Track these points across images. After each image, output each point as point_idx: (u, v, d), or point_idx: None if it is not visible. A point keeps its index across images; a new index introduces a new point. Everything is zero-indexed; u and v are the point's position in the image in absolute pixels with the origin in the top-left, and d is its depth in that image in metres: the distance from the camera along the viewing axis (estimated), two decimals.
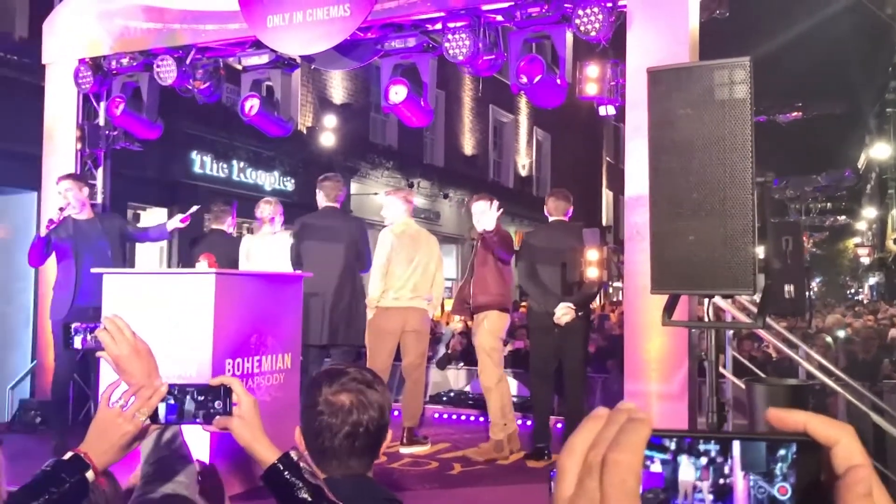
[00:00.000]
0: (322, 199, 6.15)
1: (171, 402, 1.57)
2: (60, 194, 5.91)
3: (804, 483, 0.56)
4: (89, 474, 1.47)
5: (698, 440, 0.58)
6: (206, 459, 4.34)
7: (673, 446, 0.57)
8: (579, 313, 5.62)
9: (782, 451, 0.56)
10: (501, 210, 5.69)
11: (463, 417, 7.44)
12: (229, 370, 4.54)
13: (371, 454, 1.88)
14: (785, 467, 0.56)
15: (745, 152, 3.11)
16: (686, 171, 3.15)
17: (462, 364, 9.43)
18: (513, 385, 8.35)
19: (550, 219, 5.93)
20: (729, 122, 3.13)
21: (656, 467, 0.57)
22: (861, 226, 48.15)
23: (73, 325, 1.82)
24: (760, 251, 3.76)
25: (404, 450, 5.94)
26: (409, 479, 5.28)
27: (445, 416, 7.52)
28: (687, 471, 0.57)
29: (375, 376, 1.94)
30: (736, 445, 0.57)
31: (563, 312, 5.56)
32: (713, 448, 0.57)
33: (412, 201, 6.47)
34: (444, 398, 8.23)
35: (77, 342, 1.81)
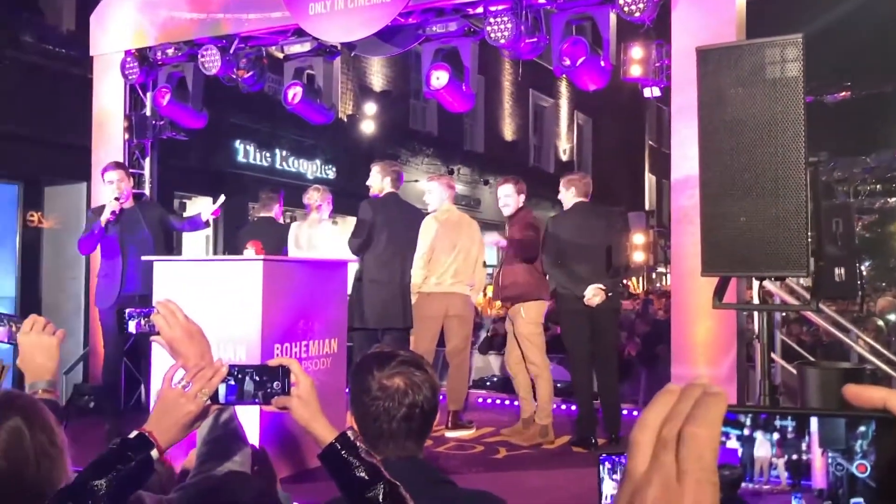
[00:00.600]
0: (388, 185, 6.06)
1: (232, 382, 1.60)
2: (112, 183, 6.00)
3: (885, 460, 0.55)
4: (154, 452, 1.51)
5: (774, 417, 0.57)
6: (256, 443, 4.42)
7: (749, 423, 0.57)
8: (609, 294, 5.56)
9: (862, 428, 0.55)
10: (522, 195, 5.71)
11: (507, 402, 7.45)
12: (277, 355, 4.60)
13: (424, 435, 1.91)
14: (864, 444, 0.55)
15: (798, 131, 3.05)
16: (737, 152, 3.10)
17: (504, 349, 9.43)
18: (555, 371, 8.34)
19: (574, 202, 5.84)
20: (780, 101, 3.08)
21: (732, 443, 0.57)
22: None
23: (127, 311, 1.86)
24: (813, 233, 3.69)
25: (450, 434, 5.97)
26: (455, 462, 5.31)
27: (489, 400, 7.54)
28: (763, 447, 0.57)
29: (421, 358, 1.96)
30: (814, 422, 0.56)
31: (594, 293, 5.50)
32: (790, 425, 0.56)
33: (454, 187, 6.46)
34: (488, 383, 8.25)
35: (131, 326, 1.85)
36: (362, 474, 1.53)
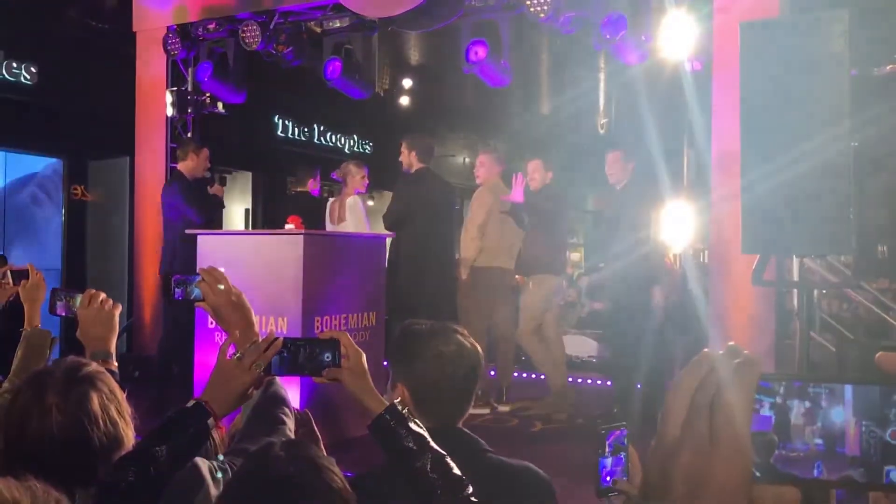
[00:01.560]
0: (415, 160, 5.93)
1: (285, 354, 1.65)
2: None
3: None
4: (210, 421, 1.57)
5: (808, 385, 0.57)
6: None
7: (783, 391, 0.57)
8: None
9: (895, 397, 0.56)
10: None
11: (542, 377, 7.46)
12: (318, 327, 4.69)
13: (468, 405, 1.94)
14: None
15: (842, 108, 3.01)
16: (779, 129, 3.08)
17: None
18: (593, 346, 8.33)
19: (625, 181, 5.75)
20: (824, 78, 3.04)
21: (766, 411, 0.57)
22: None
23: (174, 277, 1.91)
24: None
25: (502, 407, 6.03)
26: (493, 435, 5.37)
27: (524, 375, 7.57)
28: (797, 415, 0.57)
29: (462, 328, 1.99)
30: (848, 391, 0.56)
31: None
32: (824, 393, 0.57)
33: (503, 163, 6.40)
34: (523, 357, 8.27)
35: (177, 293, 1.91)
36: (410, 444, 1.58)
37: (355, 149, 14.17)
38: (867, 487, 0.56)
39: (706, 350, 0.58)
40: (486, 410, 5.96)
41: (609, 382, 6.22)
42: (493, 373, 6.23)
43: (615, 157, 5.74)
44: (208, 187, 6.64)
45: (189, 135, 7.94)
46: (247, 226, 12.72)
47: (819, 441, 0.56)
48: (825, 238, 3.03)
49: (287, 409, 1.98)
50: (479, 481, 1.60)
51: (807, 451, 0.57)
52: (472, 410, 5.70)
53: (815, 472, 0.56)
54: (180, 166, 6.63)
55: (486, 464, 1.84)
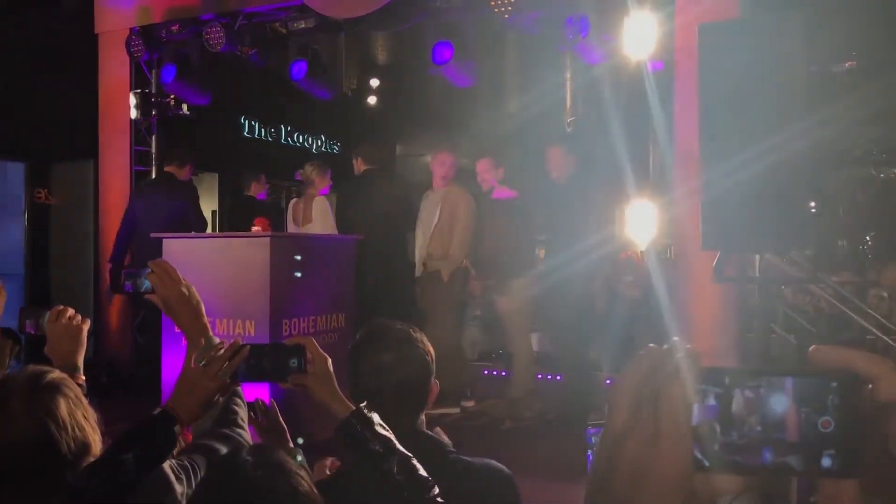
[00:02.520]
0: (362, 165, 6.21)
1: (251, 361, 1.66)
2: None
3: (848, 418, 0.58)
4: (176, 428, 1.58)
5: (751, 375, 0.60)
6: None
7: (727, 381, 0.60)
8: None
9: (833, 385, 0.58)
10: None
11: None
12: (286, 330, 4.68)
13: (420, 409, 1.91)
14: (836, 400, 0.58)
15: (799, 106, 3.08)
16: (738, 127, 3.14)
17: None
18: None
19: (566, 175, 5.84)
20: (782, 76, 3.11)
21: (710, 400, 0.59)
22: None
23: (124, 270, 1.93)
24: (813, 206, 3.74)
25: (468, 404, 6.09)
26: (463, 433, 5.40)
27: (494, 372, 7.61)
28: (740, 404, 0.59)
29: (415, 331, 1.95)
30: (789, 381, 0.59)
31: None
32: (765, 383, 0.59)
33: (453, 163, 6.48)
34: (493, 356, 8.32)
35: (126, 284, 1.92)
36: (377, 447, 1.60)
37: (323, 149, 14.13)
38: (803, 474, 0.59)
39: (650, 345, 0.61)
40: (456, 409, 6.00)
41: (559, 377, 6.20)
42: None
43: (557, 152, 5.79)
44: None
45: (154, 137, 7.88)
46: (214, 228, 12.62)
47: (759, 429, 0.59)
48: (784, 234, 3.10)
49: (243, 415, 2.00)
50: (443, 482, 1.62)
51: (749, 438, 0.59)
52: (441, 410, 5.75)
53: (763, 459, 0.59)
54: (175, 171, 6.57)
55: (449, 464, 1.85)
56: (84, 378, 2.09)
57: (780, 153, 3.12)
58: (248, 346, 1.67)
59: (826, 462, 0.58)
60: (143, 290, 1.89)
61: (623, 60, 5.81)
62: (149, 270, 1.84)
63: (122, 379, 7.10)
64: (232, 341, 1.70)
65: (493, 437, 5.39)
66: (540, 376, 6.12)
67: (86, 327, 2.16)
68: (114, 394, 6.37)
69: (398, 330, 1.92)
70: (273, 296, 4.64)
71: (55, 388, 1.59)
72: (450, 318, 6.02)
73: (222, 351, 1.66)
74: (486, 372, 7.55)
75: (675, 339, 0.61)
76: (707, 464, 0.58)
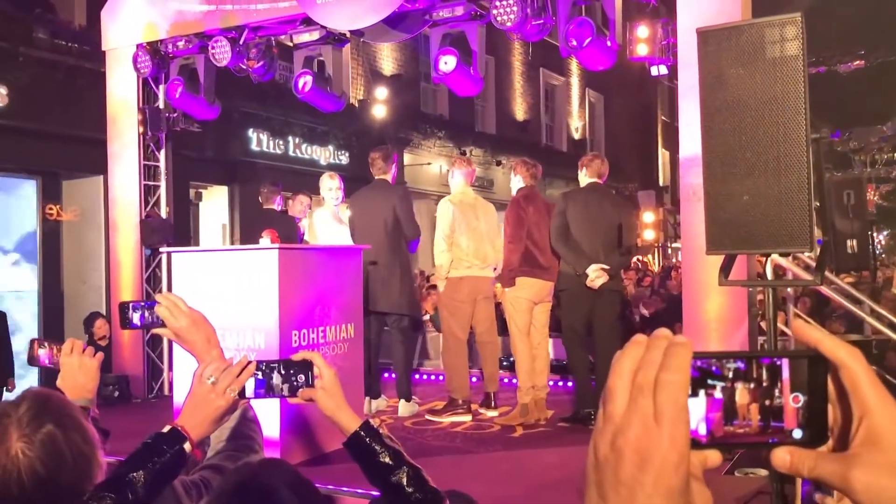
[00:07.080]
0: (375, 172, 6.28)
1: (259, 377, 1.67)
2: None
3: (814, 395, 0.61)
4: (186, 446, 1.59)
5: (752, 368, 0.62)
6: (276, 431, 4.53)
7: (731, 375, 0.63)
8: (612, 275, 5.61)
9: (804, 362, 0.62)
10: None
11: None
12: (296, 341, 4.70)
13: None
14: (805, 377, 0.62)
15: (799, 109, 3.08)
16: (738, 131, 3.14)
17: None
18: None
19: (587, 182, 5.86)
20: (781, 80, 3.11)
21: (718, 394, 0.62)
22: None
23: (131, 303, 1.93)
24: (818, 207, 3.72)
25: (490, 413, 6.06)
26: (473, 441, 5.40)
27: (506, 380, 7.61)
28: (742, 395, 0.62)
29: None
30: (785, 368, 0.62)
31: (596, 275, 5.56)
32: (766, 373, 0.62)
33: (473, 171, 6.51)
34: (504, 363, 8.32)
35: (135, 319, 1.92)
36: (386, 459, 1.61)
37: (331, 160, 14.20)
38: (776, 445, 0.62)
39: (639, 335, 0.64)
40: (468, 418, 6.00)
41: (570, 383, 6.21)
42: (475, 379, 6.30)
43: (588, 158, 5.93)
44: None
45: (162, 152, 7.95)
46: (224, 241, 12.70)
47: (759, 416, 0.62)
48: (785, 236, 3.10)
49: (258, 430, 2.01)
50: None
51: (747, 426, 0.62)
52: (453, 418, 5.75)
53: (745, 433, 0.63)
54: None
55: None
56: (98, 411, 2.12)
57: (780, 158, 3.12)
58: (256, 363, 1.69)
59: (797, 434, 0.62)
60: (151, 324, 1.89)
61: (629, 63, 5.83)
62: (156, 303, 1.85)
63: (133, 394, 7.15)
64: (240, 358, 1.71)
65: (505, 443, 5.38)
66: (552, 383, 6.13)
67: (98, 361, 2.19)
68: (125, 409, 6.41)
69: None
70: (283, 307, 4.66)
71: (54, 419, 1.56)
72: (453, 327, 6.07)
73: (230, 368, 1.67)
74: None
75: (662, 328, 0.63)
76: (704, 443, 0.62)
